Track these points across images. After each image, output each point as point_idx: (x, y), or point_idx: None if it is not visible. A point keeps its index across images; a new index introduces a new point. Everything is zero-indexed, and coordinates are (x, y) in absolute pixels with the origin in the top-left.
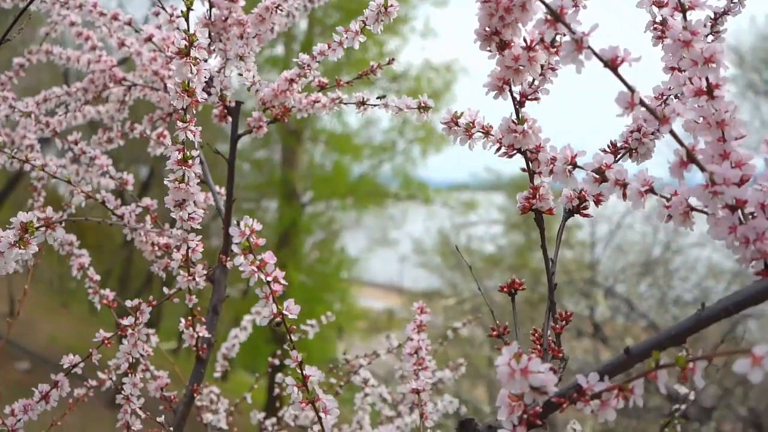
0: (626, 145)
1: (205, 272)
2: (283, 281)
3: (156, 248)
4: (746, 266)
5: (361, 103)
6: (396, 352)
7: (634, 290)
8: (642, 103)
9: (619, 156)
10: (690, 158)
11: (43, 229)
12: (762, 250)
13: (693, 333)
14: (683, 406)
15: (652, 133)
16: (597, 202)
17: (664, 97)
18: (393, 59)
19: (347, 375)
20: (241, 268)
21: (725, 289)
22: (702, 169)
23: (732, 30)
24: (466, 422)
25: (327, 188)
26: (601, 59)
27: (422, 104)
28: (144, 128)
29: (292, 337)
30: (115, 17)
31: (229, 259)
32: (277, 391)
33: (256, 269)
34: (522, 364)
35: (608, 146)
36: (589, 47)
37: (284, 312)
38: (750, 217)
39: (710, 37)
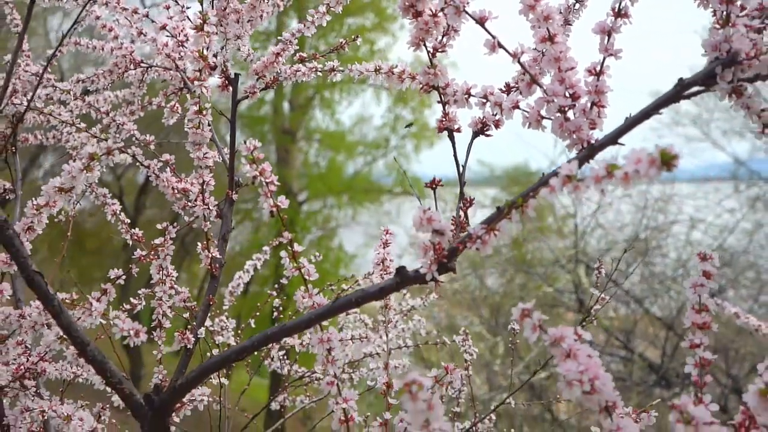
0: (516, 85)
1: (216, 203)
2: (276, 182)
3: (175, 192)
4: (571, 149)
5: (332, 70)
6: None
7: (619, 268)
8: (500, 45)
9: (511, 93)
10: (533, 81)
11: (105, 156)
12: (579, 137)
13: (534, 195)
14: (597, 306)
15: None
16: (496, 126)
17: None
18: (357, 36)
19: (337, 295)
20: (247, 174)
21: None
22: (540, 86)
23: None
24: (400, 268)
25: (322, 186)
26: (474, 18)
27: (377, 67)
28: (160, 101)
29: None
30: (135, 11)
31: (234, 193)
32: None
33: (258, 174)
34: (428, 215)
35: (504, 86)
36: (465, 11)
37: (278, 204)
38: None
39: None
